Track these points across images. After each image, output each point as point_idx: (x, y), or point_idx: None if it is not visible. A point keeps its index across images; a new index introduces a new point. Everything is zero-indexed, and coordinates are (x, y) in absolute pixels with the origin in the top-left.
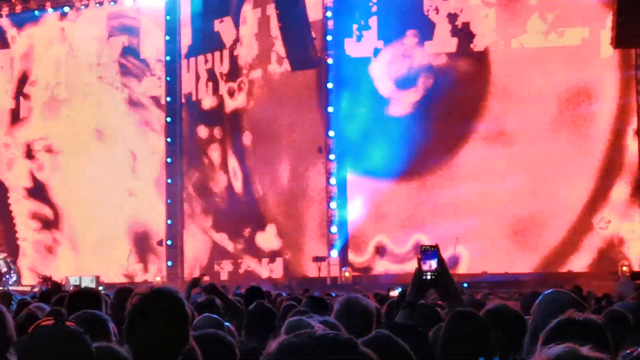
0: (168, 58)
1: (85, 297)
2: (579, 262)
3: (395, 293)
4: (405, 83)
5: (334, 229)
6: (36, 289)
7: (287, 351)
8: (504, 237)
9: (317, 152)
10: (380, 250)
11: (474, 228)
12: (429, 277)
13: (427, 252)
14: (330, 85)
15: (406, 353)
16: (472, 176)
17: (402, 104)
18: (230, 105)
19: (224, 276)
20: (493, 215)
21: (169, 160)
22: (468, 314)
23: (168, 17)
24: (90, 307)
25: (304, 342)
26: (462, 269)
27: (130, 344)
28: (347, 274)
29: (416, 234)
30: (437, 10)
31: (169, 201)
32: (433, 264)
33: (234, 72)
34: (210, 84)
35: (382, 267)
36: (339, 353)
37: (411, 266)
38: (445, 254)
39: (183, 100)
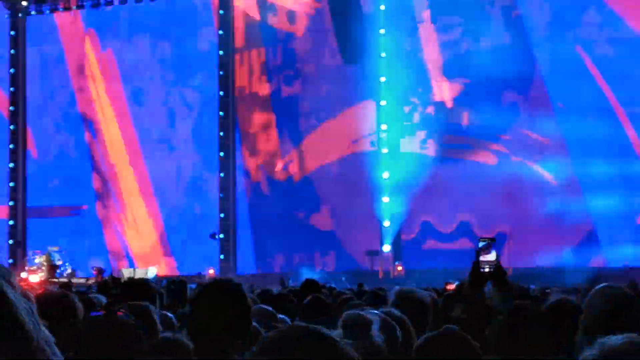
0: (221, 52)
1: (136, 289)
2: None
3: (452, 286)
4: (456, 74)
5: (386, 222)
6: (91, 281)
7: (268, 350)
8: (556, 228)
9: (370, 145)
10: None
11: (524, 216)
12: (487, 269)
13: (485, 244)
14: (382, 79)
15: (475, 350)
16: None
17: (453, 94)
18: (285, 91)
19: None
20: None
21: (221, 154)
22: (527, 308)
23: (221, 12)
24: (141, 298)
25: (272, 338)
26: (514, 262)
27: (191, 334)
28: (399, 268)
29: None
30: (492, 2)
31: (221, 195)
32: (491, 256)
33: (288, 66)
34: (263, 77)
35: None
36: (308, 344)
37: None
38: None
39: (236, 94)
